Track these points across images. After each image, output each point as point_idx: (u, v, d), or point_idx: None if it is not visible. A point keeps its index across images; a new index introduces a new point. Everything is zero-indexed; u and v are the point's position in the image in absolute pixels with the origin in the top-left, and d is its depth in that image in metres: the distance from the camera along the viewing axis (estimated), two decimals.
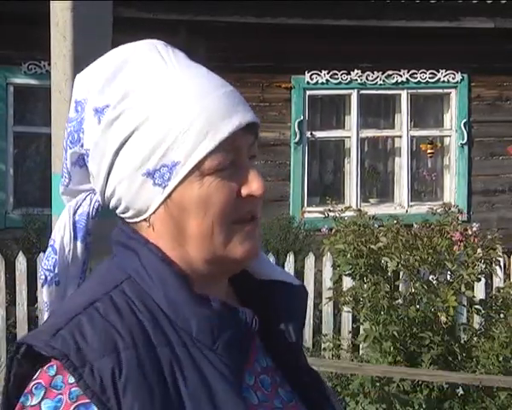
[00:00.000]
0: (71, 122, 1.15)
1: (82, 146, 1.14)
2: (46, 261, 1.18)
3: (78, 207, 1.18)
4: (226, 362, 1.07)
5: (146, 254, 1.11)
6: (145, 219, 1.12)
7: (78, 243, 1.17)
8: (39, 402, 1.01)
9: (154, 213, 1.10)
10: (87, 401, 0.99)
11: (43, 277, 1.18)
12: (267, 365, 1.18)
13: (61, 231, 1.17)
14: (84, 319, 1.04)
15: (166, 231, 1.11)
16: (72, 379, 1.00)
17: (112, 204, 1.14)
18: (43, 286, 1.18)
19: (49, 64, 2.73)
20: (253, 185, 1.10)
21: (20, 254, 6.79)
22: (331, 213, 5.63)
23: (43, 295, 1.19)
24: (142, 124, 1.08)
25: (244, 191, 1.10)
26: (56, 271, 1.17)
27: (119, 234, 1.15)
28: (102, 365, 1.00)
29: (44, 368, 1.03)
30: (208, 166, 1.07)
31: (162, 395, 1.01)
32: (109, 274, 1.13)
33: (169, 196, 1.09)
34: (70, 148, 1.16)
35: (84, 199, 1.18)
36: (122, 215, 1.14)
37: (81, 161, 1.16)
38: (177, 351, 1.05)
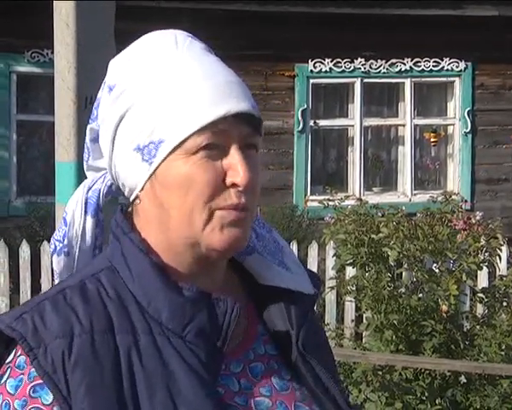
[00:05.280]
0: (96, 101, 1.20)
1: (97, 123, 1.19)
2: (57, 232, 1.23)
3: (93, 184, 1.22)
4: (195, 350, 1.09)
5: (126, 244, 1.14)
6: (137, 198, 1.15)
7: (88, 218, 1.21)
8: (5, 381, 1.07)
9: (142, 190, 1.14)
10: (41, 381, 1.04)
11: (52, 246, 1.23)
12: (266, 352, 1.19)
13: (73, 206, 1.22)
14: (48, 303, 1.10)
15: (152, 210, 1.14)
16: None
17: (117, 182, 1.19)
18: (52, 255, 1.23)
19: (52, 52, 2.73)
20: (239, 174, 1.09)
21: (24, 242, 6.80)
22: (331, 203, 5.62)
23: (53, 264, 1.23)
24: (137, 101, 1.12)
25: (229, 179, 1.10)
26: (66, 242, 1.21)
27: (112, 223, 1.19)
28: (55, 346, 1.05)
29: (16, 351, 1.08)
30: (191, 145, 1.08)
31: (113, 378, 1.05)
32: (96, 262, 1.18)
33: (154, 172, 1.11)
34: (89, 124, 1.21)
35: (100, 177, 1.23)
36: (125, 194, 1.19)
37: (98, 138, 1.21)
38: (140, 338, 1.08)
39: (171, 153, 1.09)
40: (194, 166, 1.09)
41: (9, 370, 1.07)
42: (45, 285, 6.52)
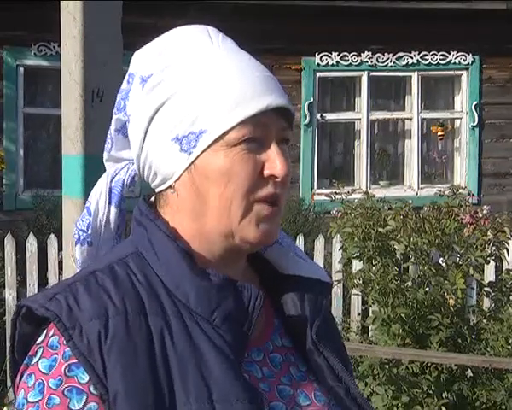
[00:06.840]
0: (121, 93, 1.21)
1: (126, 113, 1.20)
2: (80, 222, 1.24)
3: (116, 174, 1.24)
4: (223, 334, 1.10)
5: (153, 230, 1.15)
6: (171, 187, 1.16)
7: (112, 208, 1.23)
8: (37, 362, 1.07)
9: (178, 179, 1.15)
10: (77, 361, 1.04)
11: (76, 236, 1.23)
12: (282, 344, 1.21)
13: (97, 195, 1.23)
14: (80, 285, 1.10)
15: (188, 199, 1.14)
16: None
17: (145, 172, 1.19)
18: (76, 245, 1.24)
19: (60, 45, 2.73)
20: (277, 166, 1.13)
21: (31, 235, 6.81)
22: (338, 196, 5.62)
23: (76, 253, 1.24)
24: (177, 92, 1.13)
25: (267, 171, 1.13)
26: (89, 232, 1.23)
27: (136, 211, 1.20)
28: (90, 327, 1.05)
29: (48, 332, 1.08)
30: (233, 137, 1.11)
31: (147, 358, 1.05)
32: (120, 248, 1.19)
33: (193, 162, 1.13)
34: (115, 114, 1.22)
35: (123, 168, 1.24)
36: (152, 184, 1.19)
37: (125, 130, 1.22)
38: (171, 321, 1.09)
39: (212, 144, 1.11)
40: (235, 159, 1.11)
41: (41, 350, 1.07)
42: (52, 278, 6.52)
